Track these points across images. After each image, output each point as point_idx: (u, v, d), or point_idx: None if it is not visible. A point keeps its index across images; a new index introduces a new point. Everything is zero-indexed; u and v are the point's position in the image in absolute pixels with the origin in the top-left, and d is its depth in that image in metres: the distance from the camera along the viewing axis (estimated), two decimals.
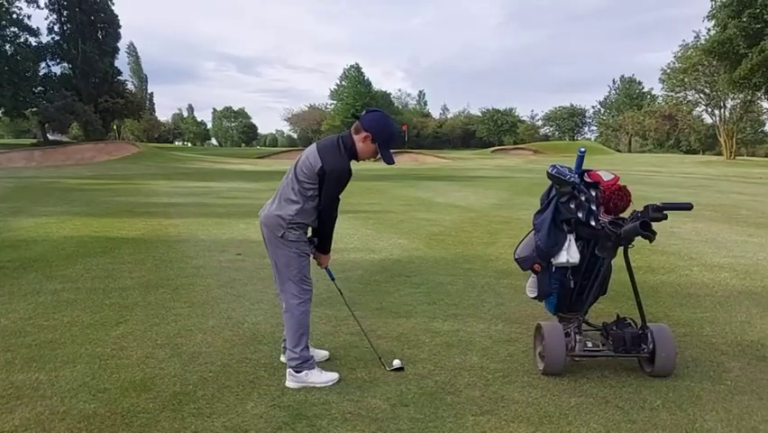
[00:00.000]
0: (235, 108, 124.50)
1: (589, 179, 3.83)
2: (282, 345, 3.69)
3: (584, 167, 3.95)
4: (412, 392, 3.38)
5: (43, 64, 50.68)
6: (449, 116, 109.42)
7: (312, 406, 3.19)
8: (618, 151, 73.33)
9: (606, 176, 3.81)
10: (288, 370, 3.49)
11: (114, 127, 59.84)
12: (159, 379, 3.54)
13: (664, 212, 3.32)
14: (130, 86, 66.94)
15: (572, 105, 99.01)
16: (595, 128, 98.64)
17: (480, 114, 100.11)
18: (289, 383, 3.45)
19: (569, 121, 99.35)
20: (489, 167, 39.58)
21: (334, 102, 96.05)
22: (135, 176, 27.30)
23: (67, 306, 5.09)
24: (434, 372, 3.69)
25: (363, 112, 3.52)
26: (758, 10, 36.01)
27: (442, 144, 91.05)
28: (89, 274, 6.29)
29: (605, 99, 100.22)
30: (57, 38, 51.24)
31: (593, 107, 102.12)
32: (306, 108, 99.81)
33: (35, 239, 8.53)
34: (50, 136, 54.56)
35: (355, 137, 3.46)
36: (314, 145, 3.52)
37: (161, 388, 3.41)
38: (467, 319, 4.79)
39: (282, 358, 3.72)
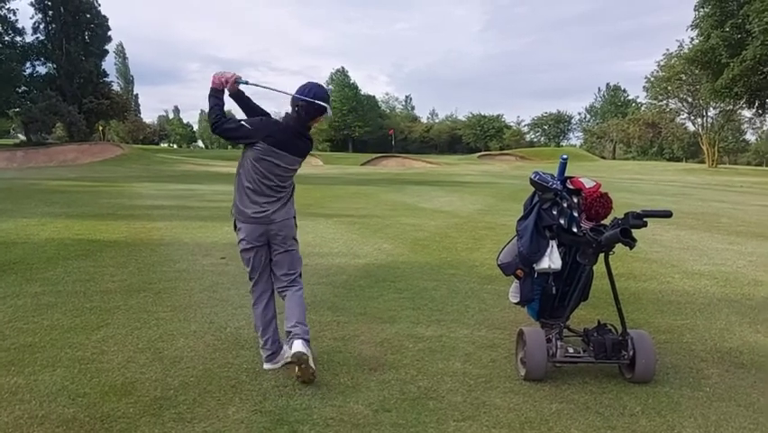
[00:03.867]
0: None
1: (571, 186, 3.87)
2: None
3: (568, 174, 3.99)
4: (394, 398, 3.38)
5: (27, 64, 50.18)
6: (436, 121, 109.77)
7: (293, 411, 3.18)
8: (603, 158, 73.94)
9: (588, 183, 3.85)
10: None
11: (99, 128, 59.32)
12: (139, 383, 3.51)
13: (644, 219, 3.36)
14: (115, 87, 66.44)
15: (559, 112, 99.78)
16: (581, 135, 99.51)
17: (466, 119, 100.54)
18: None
19: (555, 127, 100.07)
20: (476, 172, 39.76)
21: None
22: (119, 178, 27.06)
23: (47, 309, 5.04)
24: (417, 377, 3.70)
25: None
26: (740, 20, 36.56)
27: (429, 149, 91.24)
28: (70, 277, 6.22)
29: (591, 106, 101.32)
30: (41, 38, 50.76)
31: (579, 114, 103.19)
32: None
33: (15, 241, 8.42)
34: (32, 137, 53.96)
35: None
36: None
37: (142, 393, 3.38)
38: (450, 325, 4.80)
39: (266, 366, 3.75)
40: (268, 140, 3.49)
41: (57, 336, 4.34)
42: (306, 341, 3.57)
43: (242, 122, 3.57)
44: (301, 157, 3.69)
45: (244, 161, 3.60)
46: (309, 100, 3.45)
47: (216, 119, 3.51)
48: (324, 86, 3.62)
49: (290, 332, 3.61)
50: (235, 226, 3.70)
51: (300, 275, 3.89)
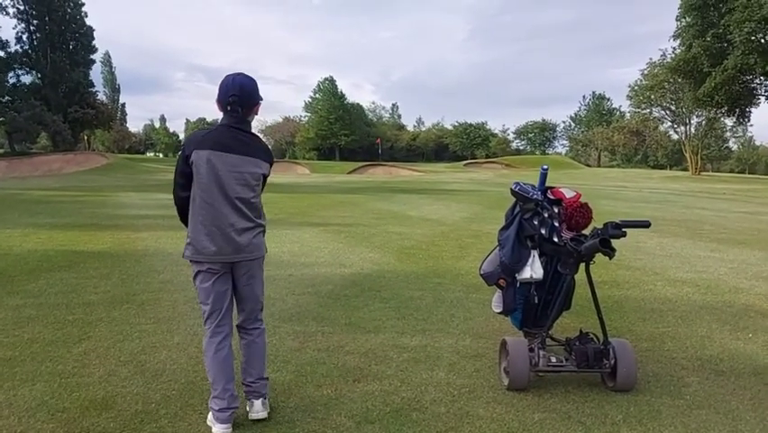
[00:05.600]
0: (209, 119, 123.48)
1: (552, 196, 3.90)
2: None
3: (552, 182, 4.03)
4: (378, 409, 3.38)
5: (11, 74, 49.84)
6: (423, 129, 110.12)
7: (277, 425, 3.17)
8: (588, 165, 74.57)
9: (568, 193, 3.89)
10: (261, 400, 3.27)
11: (84, 138, 58.95)
12: (120, 397, 3.48)
13: (623, 230, 3.40)
14: (101, 96, 66.04)
15: (544, 120, 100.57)
16: (566, 142, 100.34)
17: (452, 127, 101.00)
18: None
19: (540, 135, 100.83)
20: (462, 180, 39.91)
21: (309, 114, 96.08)
22: (104, 188, 26.88)
23: (28, 322, 4.98)
24: (401, 388, 3.70)
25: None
26: (721, 30, 37.12)
27: (415, 157, 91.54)
28: (53, 289, 6.16)
29: (575, 114, 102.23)
30: (26, 47, 50.48)
31: (564, 122, 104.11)
32: (281, 120, 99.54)
33: None
34: (17, 147, 53.52)
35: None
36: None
37: (123, 407, 3.35)
38: (435, 334, 4.81)
39: (220, 428, 3.08)
40: (201, 145, 3.00)
41: (37, 350, 4.29)
42: (265, 397, 3.27)
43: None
44: (253, 156, 3.09)
45: (192, 194, 3.09)
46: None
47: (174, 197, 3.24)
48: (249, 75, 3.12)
49: (251, 388, 3.23)
50: (195, 275, 3.15)
51: (263, 307, 3.36)
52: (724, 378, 3.95)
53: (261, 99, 3.16)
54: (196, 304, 5.55)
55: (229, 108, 3.04)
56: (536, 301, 3.95)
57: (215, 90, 3.11)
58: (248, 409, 3.25)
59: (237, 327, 3.30)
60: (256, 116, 3.31)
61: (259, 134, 3.36)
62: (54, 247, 8.91)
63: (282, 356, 4.20)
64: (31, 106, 46.16)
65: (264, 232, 3.27)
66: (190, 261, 3.14)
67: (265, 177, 3.22)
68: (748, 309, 5.74)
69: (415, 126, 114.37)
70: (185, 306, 5.57)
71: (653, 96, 53.04)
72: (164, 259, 8.00)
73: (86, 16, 53.68)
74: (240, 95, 3.03)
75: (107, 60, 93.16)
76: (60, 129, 48.89)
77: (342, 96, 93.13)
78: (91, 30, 54.01)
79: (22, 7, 49.53)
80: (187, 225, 3.18)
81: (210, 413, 3.11)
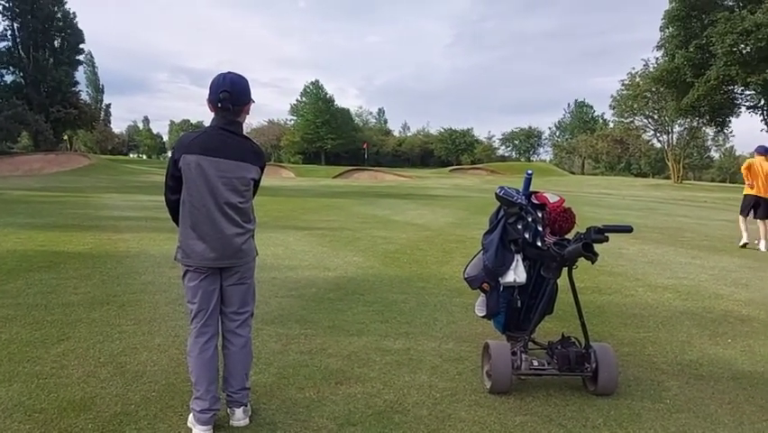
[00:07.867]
0: (193, 121, 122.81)
1: (536, 201, 3.92)
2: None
3: (534, 188, 4.05)
4: (360, 412, 3.37)
5: None
6: (408, 135, 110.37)
7: (258, 427, 3.15)
8: (572, 172, 75.14)
9: (552, 198, 3.91)
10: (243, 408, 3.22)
11: (66, 138, 58.29)
12: (99, 399, 3.43)
13: (605, 234, 3.43)
14: (84, 96, 65.33)
15: (530, 127, 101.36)
16: (550, 150, 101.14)
17: (438, 133, 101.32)
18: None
19: (525, 142, 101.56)
20: (447, 186, 40.03)
21: (294, 118, 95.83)
22: (86, 188, 26.60)
23: (5, 322, 4.90)
24: (383, 390, 3.69)
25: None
26: (704, 41, 37.64)
27: (401, 162, 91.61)
28: (31, 290, 6.07)
29: (560, 122, 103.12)
30: (9, 45, 49.85)
31: (549, 129, 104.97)
32: (266, 123, 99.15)
33: None
34: None
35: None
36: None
37: (102, 408, 3.31)
38: (418, 338, 4.81)
39: (200, 429, 3.06)
40: (190, 149, 2.96)
41: (15, 350, 4.23)
42: (247, 405, 3.22)
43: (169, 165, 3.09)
44: (242, 161, 3.03)
45: (182, 198, 3.06)
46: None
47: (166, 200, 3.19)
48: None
49: (232, 398, 3.17)
50: (184, 273, 3.13)
51: (252, 314, 3.31)
52: (703, 382, 3.99)
53: (253, 101, 3.11)
54: (177, 306, 5.54)
55: (220, 105, 2.97)
56: (519, 305, 3.96)
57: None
58: (229, 415, 3.21)
59: (223, 333, 3.23)
60: (246, 123, 3.27)
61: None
62: (34, 247, 8.79)
63: (265, 358, 4.17)
64: (12, 105, 45.53)
65: (253, 235, 3.24)
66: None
67: (256, 181, 3.17)
68: (727, 315, 5.81)
69: (400, 132, 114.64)
70: (166, 307, 5.52)
71: (635, 106, 53.61)
72: (146, 260, 7.92)
73: (75, 17, 53.09)
74: (231, 91, 2.96)
75: (90, 60, 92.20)
76: (42, 129, 48.33)
77: (330, 101, 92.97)
78: (77, 29, 53.29)
79: (6, 4, 48.92)
80: (179, 226, 3.14)
81: (191, 414, 3.08)
